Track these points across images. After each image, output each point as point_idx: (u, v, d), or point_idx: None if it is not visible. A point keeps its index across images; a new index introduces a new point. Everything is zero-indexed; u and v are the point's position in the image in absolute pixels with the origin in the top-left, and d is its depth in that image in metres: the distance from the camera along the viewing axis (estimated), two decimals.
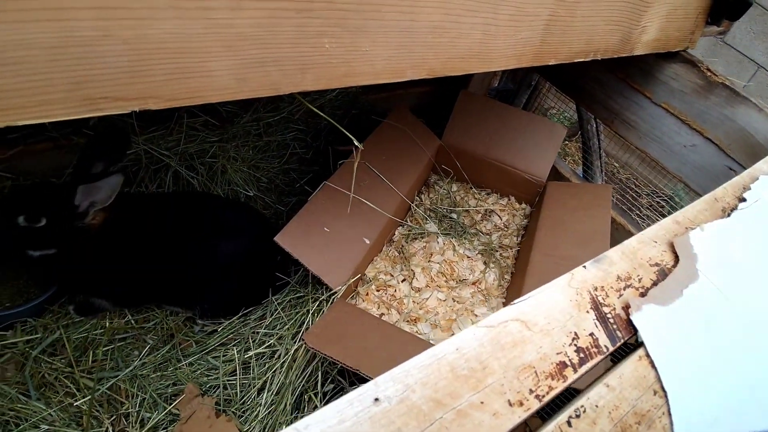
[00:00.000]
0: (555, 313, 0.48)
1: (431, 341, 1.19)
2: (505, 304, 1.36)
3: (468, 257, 1.48)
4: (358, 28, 0.64)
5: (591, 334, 0.50)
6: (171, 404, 1.02)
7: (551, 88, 2.55)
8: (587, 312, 0.51)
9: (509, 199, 1.73)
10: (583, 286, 0.52)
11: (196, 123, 1.49)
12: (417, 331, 1.23)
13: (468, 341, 0.43)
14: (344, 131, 0.90)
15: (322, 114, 0.97)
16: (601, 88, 1.57)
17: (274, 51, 0.57)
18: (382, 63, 0.70)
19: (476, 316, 1.30)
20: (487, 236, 1.59)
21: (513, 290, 1.37)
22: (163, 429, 1.00)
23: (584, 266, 0.54)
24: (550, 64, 0.98)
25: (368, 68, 0.69)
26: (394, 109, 1.60)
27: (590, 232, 1.35)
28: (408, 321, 1.26)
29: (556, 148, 1.66)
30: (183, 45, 0.49)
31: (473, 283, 1.41)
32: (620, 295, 0.54)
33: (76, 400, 0.99)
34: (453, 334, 1.25)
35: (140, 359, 1.12)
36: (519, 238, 1.59)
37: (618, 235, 1.66)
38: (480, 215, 1.66)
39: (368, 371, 0.88)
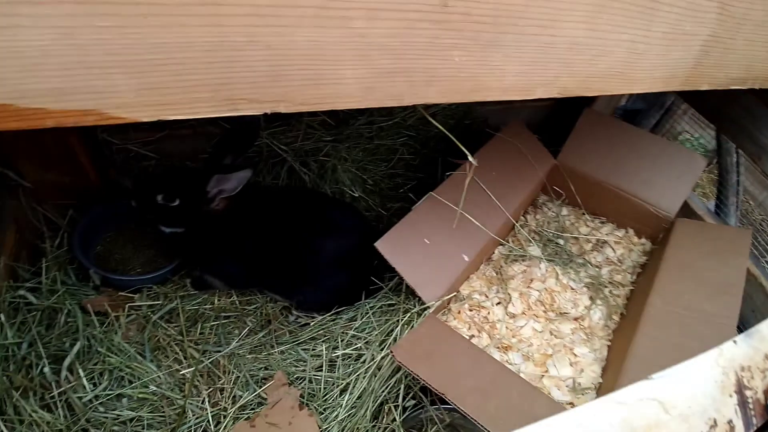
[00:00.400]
0: (697, 394, 0.40)
1: (521, 374, 1.11)
2: (610, 348, 1.23)
3: (572, 289, 1.36)
4: (490, 42, 0.60)
5: (729, 422, 0.42)
6: (261, 387, 1.07)
7: (687, 110, 2.28)
8: (730, 396, 0.42)
9: (627, 232, 1.56)
10: (730, 365, 0.44)
11: (315, 122, 1.57)
12: (507, 360, 1.16)
13: (593, 418, 0.37)
14: (459, 145, 0.87)
15: (436, 123, 0.95)
16: (751, 118, 1.36)
17: (405, 62, 0.56)
18: (511, 79, 0.66)
19: (575, 356, 1.19)
20: (597, 269, 1.45)
21: (622, 334, 1.23)
22: (251, 409, 1.05)
23: (734, 341, 0.45)
24: (702, 89, 0.86)
25: (496, 83, 0.66)
26: (508, 123, 1.53)
27: (722, 282, 1.17)
28: (499, 348, 1.19)
29: (692, 181, 1.47)
30: (320, 52, 0.50)
31: (575, 319, 1.29)
32: (764, 377, 0.45)
33: (182, 368, 1.09)
34: (547, 371, 1.16)
35: (239, 339, 1.19)
36: (634, 277, 1.44)
37: (749, 287, 1.42)
38: (591, 245, 1.52)
39: (454, 398, 0.84)
